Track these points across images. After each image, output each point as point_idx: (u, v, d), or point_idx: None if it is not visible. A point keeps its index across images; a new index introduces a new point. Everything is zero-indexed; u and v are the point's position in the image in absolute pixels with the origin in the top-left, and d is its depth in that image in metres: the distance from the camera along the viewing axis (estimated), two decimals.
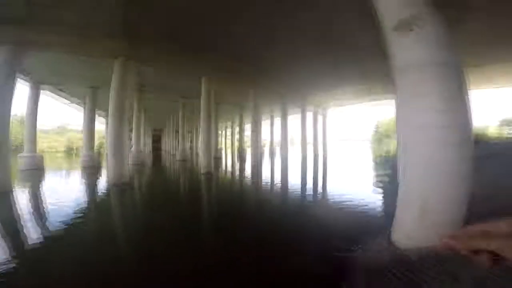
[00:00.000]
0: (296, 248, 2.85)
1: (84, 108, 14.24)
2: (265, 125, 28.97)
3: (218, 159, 17.44)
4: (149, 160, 17.63)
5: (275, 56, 9.74)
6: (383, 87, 13.92)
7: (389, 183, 6.34)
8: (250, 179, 8.85)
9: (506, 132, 13.15)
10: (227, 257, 2.60)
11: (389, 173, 7.93)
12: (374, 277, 1.92)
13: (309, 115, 21.06)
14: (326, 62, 10.20)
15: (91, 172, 10.50)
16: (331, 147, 34.82)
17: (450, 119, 2.12)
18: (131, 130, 15.20)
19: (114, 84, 7.47)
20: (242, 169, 11.87)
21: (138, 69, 9.80)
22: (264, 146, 33.88)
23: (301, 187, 6.71)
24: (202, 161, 9.62)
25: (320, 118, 23.45)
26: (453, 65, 2.22)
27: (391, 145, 14.43)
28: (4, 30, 6.19)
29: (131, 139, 15.58)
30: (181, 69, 9.51)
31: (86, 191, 6.52)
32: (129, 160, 14.15)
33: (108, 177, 7.17)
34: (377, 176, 8.28)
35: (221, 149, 23.71)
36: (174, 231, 3.45)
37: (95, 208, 4.86)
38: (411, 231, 2.24)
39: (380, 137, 27.49)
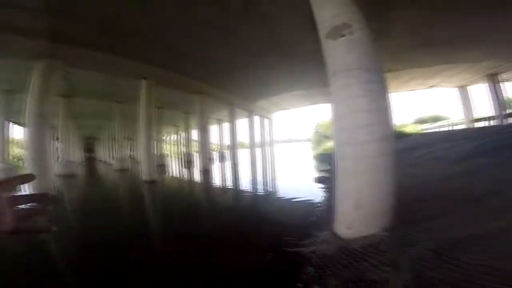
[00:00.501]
0: (250, 245, 2.86)
1: None
2: (213, 130, 28.56)
3: (162, 166, 16.41)
4: (81, 171, 15.56)
5: (222, 64, 9.75)
6: (321, 91, 15.15)
7: (328, 178, 6.87)
8: (197, 184, 8.57)
9: (420, 128, 15.93)
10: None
11: (328, 169, 8.61)
12: (323, 268, 2.00)
13: (257, 119, 21.59)
14: (271, 70, 10.62)
15: None
16: (278, 148, 36.22)
17: (375, 118, 2.41)
18: (57, 139, 13.29)
19: (33, 88, 6.49)
20: (190, 175, 11.42)
21: (64, 72, 8.69)
22: (214, 150, 33.29)
23: (251, 188, 6.75)
24: (143, 169, 8.92)
25: (266, 122, 24.26)
26: (376, 70, 2.52)
27: (329, 144, 15.74)
28: None
29: (57, 149, 13.62)
30: (117, 71, 8.69)
31: None
32: (56, 171, 12.44)
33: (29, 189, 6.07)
34: (318, 172, 8.88)
35: (165, 155, 22.40)
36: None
37: None
38: (351, 222, 2.42)
39: (319, 137, 29.74)
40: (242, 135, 26.11)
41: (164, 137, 37.98)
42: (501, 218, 2.08)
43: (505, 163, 3.89)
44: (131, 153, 32.59)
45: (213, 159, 21.63)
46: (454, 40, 8.11)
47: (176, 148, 33.08)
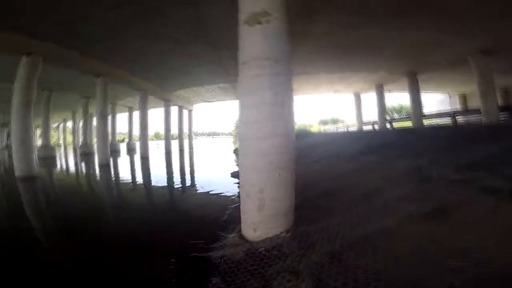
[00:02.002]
0: (152, 250, 2.47)
1: None
2: (122, 118, 25.18)
3: (49, 158, 13.35)
4: None
5: (131, 50, 8.58)
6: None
7: None
8: (93, 180, 7.24)
9: (323, 128, 18.37)
10: None
11: None
12: (231, 277, 1.80)
13: (174, 109, 20.18)
14: (194, 59, 9.91)
15: None
16: (198, 141, 35.22)
17: (280, 112, 2.30)
18: None
19: None
20: (86, 169, 9.60)
21: None
22: (122, 141, 29.50)
23: (157, 187, 6.07)
24: (17, 163, 6.90)
25: (185, 112, 23.00)
26: (285, 63, 2.42)
27: None
28: None
29: None
30: None
31: None
32: None
33: None
34: (235, 166, 8.86)
35: (57, 145, 18.41)
36: None
37: None
38: (255, 223, 2.26)
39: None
40: (159, 126, 23.98)
41: (56, 124, 31.46)
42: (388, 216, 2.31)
43: (385, 160, 4.70)
44: (8, 142, 25.58)
45: (119, 151, 19.17)
46: (357, 49, 9.15)
47: (72, 137, 27.62)
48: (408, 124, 14.22)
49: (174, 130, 20.92)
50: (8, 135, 27.09)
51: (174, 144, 19.00)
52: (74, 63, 9.10)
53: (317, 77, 13.57)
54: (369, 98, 18.13)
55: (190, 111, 24.11)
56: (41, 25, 6.55)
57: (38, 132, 21.64)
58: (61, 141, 33.28)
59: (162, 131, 19.79)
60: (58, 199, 5.26)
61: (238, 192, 4.73)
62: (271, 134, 2.24)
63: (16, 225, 3.51)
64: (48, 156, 13.75)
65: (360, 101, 19.02)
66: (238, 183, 5.66)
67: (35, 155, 7.48)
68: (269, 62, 2.29)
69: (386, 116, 16.37)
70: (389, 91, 16.44)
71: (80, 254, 2.44)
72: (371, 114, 18.02)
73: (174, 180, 7.06)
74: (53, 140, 20.91)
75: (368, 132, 13.30)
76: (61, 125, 33.99)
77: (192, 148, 21.13)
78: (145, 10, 5.95)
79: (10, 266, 2.22)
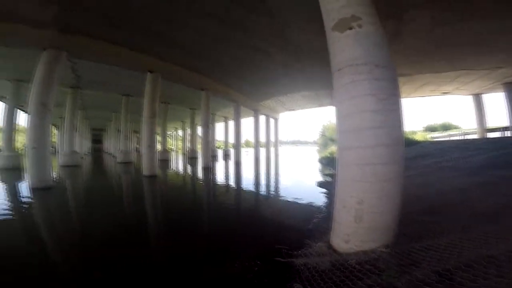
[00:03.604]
0: (239, 250, 2.65)
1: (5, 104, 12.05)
2: (220, 127, 28.53)
3: (165, 161, 16.40)
4: (84, 162, 15.67)
5: (229, 62, 9.59)
6: (329, 93, 14.86)
7: (331, 183, 6.63)
8: (197, 181, 8.44)
9: (430, 136, 15.58)
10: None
11: (332, 174, 8.38)
12: (313, 285, 1.82)
13: (263, 119, 21.41)
14: (280, 69, 10.36)
15: (9, 174, 8.79)
16: (283, 149, 35.93)
17: (384, 120, 2.14)
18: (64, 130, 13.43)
19: (37, 78, 6.45)
20: (192, 172, 11.31)
21: (73, 65, 8.70)
22: (219, 148, 33.28)
23: (246, 191, 6.53)
24: (145, 163, 8.84)
25: (272, 121, 24.03)
26: (386, 66, 2.25)
27: (335, 148, 15.53)
28: None
29: (63, 140, 13.74)
30: (124, 63, 8.62)
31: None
32: (60, 161, 12.56)
33: (29, 180, 6.06)
34: (322, 175, 8.64)
35: (170, 150, 22.44)
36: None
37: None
38: (349, 234, 2.19)
39: (325, 140, 29.41)
40: (248, 134, 25.91)
41: (170, 132, 38.18)
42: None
43: None
44: (137, 146, 32.98)
45: (216, 156, 21.64)
46: (471, 45, 7.70)
47: (181, 143, 33.13)
48: None
49: (261, 138, 22.15)
50: (137, 141, 34.87)
51: (261, 152, 20.05)
52: (184, 79, 10.87)
53: (418, 79, 11.85)
54: (494, 100, 14.37)
55: (276, 119, 25.05)
56: (159, 46, 8.09)
57: (158, 138, 26.97)
58: (173, 147, 40.34)
59: (251, 139, 21.24)
60: (170, 195, 6.43)
61: (327, 202, 4.65)
62: (373, 143, 2.12)
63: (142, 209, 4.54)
64: (164, 159, 16.93)
65: (481, 103, 15.38)
66: (325, 193, 5.55)
67: (157, 158, 9.39)
68: (367, 68, 2.19)
69: None
70: None
71: (176, 244, 2.95)
72: (498, 118, 14.12)
73: (263, 185, 7.46)
74: (168, 146, 25.63)
75: (494, 140, 10.53)
76: (174, 133, 41.54)
77: (278, 156, 21.78)
78: (230, 23, 6.53)
79: None
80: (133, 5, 5.76)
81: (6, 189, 6.21)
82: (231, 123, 19.06)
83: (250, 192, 6.29)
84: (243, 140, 18.62)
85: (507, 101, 12.66)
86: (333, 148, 16.80)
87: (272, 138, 25.21)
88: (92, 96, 15.12)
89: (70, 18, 6.18)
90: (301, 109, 22.55)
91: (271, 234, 3.20)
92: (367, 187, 2.12)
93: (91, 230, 3.44)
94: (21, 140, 19.75)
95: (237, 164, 13.55)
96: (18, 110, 12.13)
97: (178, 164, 15.93)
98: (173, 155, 25.40)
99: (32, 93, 6.39)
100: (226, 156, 22.03)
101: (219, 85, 13.04)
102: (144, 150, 9.12)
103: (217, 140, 28.50)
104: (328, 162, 12.36)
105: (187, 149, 23.53)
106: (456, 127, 22.82)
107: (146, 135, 9.16)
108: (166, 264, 2.40)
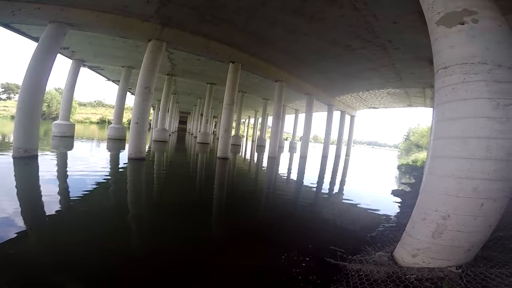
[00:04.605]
0: (293, 243, 2.66)
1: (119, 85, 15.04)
2: (289, 119, 28.56)
3: (237, 146, 17.51)
4: (171, 139, 18.21)
5: (306, 54, 9.42)
6: (421, 92, 12.96)
7: (408, 193, 5.90)
8: (262, 169, 8.76)
9: None
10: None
11: (411, 183, 7.43)
12: None
13: (336, 114, 20.37)
14: (361, 64, 9.64)
15: (115, 143, 11.03)
16: (356, 149, 33.48)
17: (501, 129, 1.78)
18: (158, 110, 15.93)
19: (143, 64, 7.80)
20: (258, 159, 11.81)
21: (170, 54, 10.02)
22: (286, 139, 33.51)
23: (309, 187, 6.42)
24: (219, 146, 9.68)
25: (348, 118, 22.57)
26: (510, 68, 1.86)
27: (420, 155, 13.58)
28: (50, 8, 6.55)
29: (157, 118, 16.30)
30: (211, 54, 9.50)
31: (108, 160, 6.88)
32: (153, 136, 14.97)
33: (128, 150, 7.48)
34: (398, 184, 7.76)
35: (242, 136, 23.79)
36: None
37: (109, 177, 5.07)
38: (419, 248, 1.97)
39: (409, 145, 25.84)
40: (319, 129, 25.11)
41: (243, 120, 40.24)
42: None
43: None
44: (215, 130, 36.24)
45: (283, 147, 21.87)
46: None
47: (252, 131, 34.70)
48: None
49: (333, 135, 21.17)
50: (215, 126, 38.23)
51: (331, 149, 19.24)
52: (260, 70, 11.21)
53: None
54: None
55: (352, 116, 23.40)
56: (240, 37, 8.49)
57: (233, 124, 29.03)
58: (244, 133, 42.68)
59: (320, 135, 20.51)
60: (237, 179, 6.93)
61: (398, 212, 4.22)
62: (482, 155, 1.82)
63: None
64: (236, 143, 18.14)
65: None
66: (398, 202, 5.02)
67: (230, 142, 10.17)
68: (485, 67, 1.87)
69: None
70: None
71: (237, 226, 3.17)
72: None
73: (327, 184, 7.22)
74: (241, 133, 27.29)
75: None
76: (246, 121, 43.77)
77: (349, 156, 20.50)
78: (308, 15, 6.36)
79: None
80: (220, 2, 6.26)
81: (112, 156, 7.75)
82: (302, 116, 18.79)
83: (312, 188, 6.19)
84: (312, 134, 18.24)
85: None
86: (418, 155, 14.76)
87: (346, 136, 23.76)
88: (182, 83, 17.28)
89: (169, 12, 7.08)
90: (384, 107, 20.35)
91: (328, 234, 3.12)
92: (460, 203, 1.84)
93: (164, 198, 4.05)
94: (127, 117, 24.33)
95: (303, 158, 13.42)
96: (128, 92, 15.02)
97: (247, 150, 16.80)
98: (244, 141, 26.92)
99: (140, 78, 7.74)
100: (292, 149, 22.02)
101: (294, 77, 12.95)
102: (220, 133, 9.97)
103: (285, 132, 28.68)
104: (408, 170, 11.00)
105: (256, 137, 24.52)
106: None
107: (224, 120, 9.97)
108: (215, 245, 2.65)
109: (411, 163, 12.52)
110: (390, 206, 4.77)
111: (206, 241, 2.59)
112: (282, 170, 9.00)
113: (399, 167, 12.84)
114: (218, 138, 10.25)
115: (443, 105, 2.07)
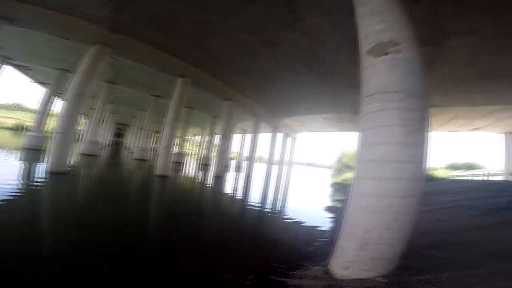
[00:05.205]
0: (234, 261, 2.63)
1: (47, 89, 13.08)
2: (236, 138, 28.85)
3: (179, 163, 16.72)
4: (103, 153, 16.33)
5: (259, 76, 9.84)
6: (352, 118, 14.66)
7: (339, 209, 6.45)
8: (206, 188, 8.50)
9: (450, 174, 14.96)
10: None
11: (342, 199, 8.16)
12: None
13: (280, 136, 21.47)
14: (304, 88, 10.49)
15: (32, 154, 9.33)
16: (296, 169, 35.46)
17: (409, 154, 2.06)
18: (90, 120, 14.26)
19: (81, 69, 7.08)
20: (202, 178, 11.45)
21: (114, 61, 9.47)
22: (232, 159, 33.52)
23: (252, 205, 6.48)
24: (159, 163, 9.07)
25: (289, 140, 23.99)
26: (421, 97, 2.16)
27: (349, 175, 15.17)
28: None
29: (88, 129, 14.51)
30: (160, 66, 9.17)
31: (21, 173, 5.69)
32: (80, 149, 13.19)
33: (48, 162, 6.41)
34: (332, 200, 8.43)
35: (186, 154, 22.87)
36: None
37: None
38: (350, 261, 2.14)
39: (341, 166, 28.83)
40: (264, 150, 26.01)
41: (189, 137, 39.09)
42: None
43: None
44: (156, 146, 34.01)
45: (229, 167, 21.78)
46: (506, 77, 7.26)
47: (198, 149, 33.77)
48: None
49: (276, 156, 22.10)
50: (156, 140, 35.98)
51: (274, 169, 19.97)
52: (211, 87, 11.21)
53: (448, 111, 11.28)
54: None
55: (293, 139, 24.99)
56: (194, 52, 8.40)
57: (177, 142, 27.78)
58: (189, 151, 41.17)
59: (264, 155, 21.27)
60: (175, 197, 6.55)
61: (332, 227, 4.53)
62: (394, 176, 2.04)
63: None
64: (178, 161, 17.29)
65: None
66: (332, 218, 5.41)
67: (171, 160, 9.65)
68: (399, 96, 2.11)
69: None
70: None
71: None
72: None
73: (269, 202, 7.39)
74: (185, 150, 26.23)
75: None
76: (192, 138, 42.52)
77: (290, 175, 21.57)
78: (263, 38, 6.75)
79: None
80: (180, 15, 6.21)
81: (25, 169, 6.55)
82: (248, 136, 19.34)
83: (255, 206, 6.25)
84: (257, 154, 18.78)
85: None
86: (347, 175, 16.40)
87: (287, 157, 25.07)
88: (123, 93, 15.98)
89: (123, 17, 6.70)
90: (321, 131, 22.41)
91: (270, 251, 3.16)
92: (378, 218, 2.07)
93: (86, 217, 3.55)
94: (52, 124, 21.03)
95: (248, 177, 13.57)
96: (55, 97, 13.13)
97: (191, 168, 16.19)
98: (187, 159, 25.85)
99: (73, 83, 6.93)
100: (238, 168, 22.11)
101: (244, 98, 13.34)
102: (161, 150, 9.39)
103: (232, 151, 28.79)
104: (340, 188, 12.06)
105: (202, 156, 23.95)
106: (480, 167, 21.62)
107: (166, 136, 9.46)
108: (146, 270, 2.39)
109: (342, 182, 13.81)
110: (324, 221, 5.10)
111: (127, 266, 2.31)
112: (226, 189, 8.89)
113: (332, 185, 14.00)
114: (158, 155, 9.58)
115: (366, 131, 2.29)
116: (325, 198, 9.27)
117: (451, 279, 1.91)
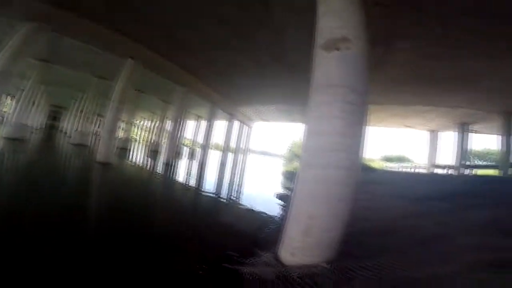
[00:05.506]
0: (187, 252, 2.55)
1: None
2: (190, 125, 27.79)
3: (125, 149, 15.47)
4: (33, 138, 14.16)
5: (219, 62, 9.44)
6: (302, 109, 15.25)
7: (289, 196, 6.73)
8: (154, 175, 8.05)
9: (385, 165, 17.01)
10: None
11: (292, 187, 8.48)
12: None
13: (237, 124, 21.38)
14: (267, 79, 10.40)
15: None
16: (251, 157, 36.04)
17: (347, 144, 2.21)
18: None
19: (9, 45, 6.21)
20: (151, 165, 10.80)
21: (53, 38, 8.03)
22: (186, 145, 32.34)
23: (210, 190, 6.38)
24: (100, 149, 8.21)
25: (245, 128, 24.09)
26: (363, 93, 2.33)
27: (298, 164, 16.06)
28: None
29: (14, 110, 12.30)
30: (108, 46, 8.21)
31: None
32: (3, 132, 11.18)
33: None
34: (282, 188, 8.77)
35: (131, 140, 21.21)
36: None
37: None
38: (296, 248, 2.21)
39: (292, 155, 30.40)
40: (219, 137, 25.69)
41: (137, 122, 36.36)
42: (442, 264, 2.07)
43: (456, 208, 4.18)
44: (98, 130, 30.78)
45: (181, 154, 21.00)
46: (447, 82, 8.16)
47: (147, 135, 31.65)
48: (493, 172, 12.01)
49: (232, 144, 22.05)
50: (99, 125, 32.55)
51: (230, 157, 19.93)
52: (165, 70, 10.44)
53: (387, 109, 12.51)
54: (447, 138, 15.85)
55: (250, 127, 25.15)
56: (150, 33, 7.68)
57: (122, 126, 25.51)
58: (137, 137, 38.34)
59: (221, 142, 21.03)
60: (119, 186, 5.92)
61: (282, 214, 4.69)
62: (334, 165, 2.17)
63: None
64: (124, 147, 15.98)
65: (436, 140, 16.81)
66: (282, 205, 5.60)
67: (115, 145, 8.84)
68: (343, 90, 2.23)
69: (466, 161, 13.86)
70: (475, 131, 13.97)
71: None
72: (447, 155, 15.60)
73: (222, 190, 7.34)
74: (132, 135, 24.35)
75: (440, 175, 11.74)
76: (140, 123, 39.53)
77: (245, 163, 21.80)
78: (236, 32, 6.60)
79: None
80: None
81: None
82: (204, 123, 18.84)
83: (207, 195, 6.13)
84: (213, 142, 18.53)
85: (457, 141, 13.80)
86: (296, 164, 17.22)
87: (243, 145, 25.21)
88: (61, 72, 13.85)
89: None
90: (275, 121, 22.97)
91: (223, 240, 3.11)
92: (320, 205, 2.18)
93: None
94: None
95: (202, 165, 13.27)
96: None
97: (138, 155, 15.15)
98: (135, 145, 24.12)
99: None
100: (192, 155, 21.47)
101: (200, 84, 12.77)
102: (103, 134, 8.50)
103: (185, 138, 27.74)
104: (290, 176, 12.62)
105: (151, 142, 22.55)
106: (409, 160, 24.99)
107: (109, 119, 8.59)
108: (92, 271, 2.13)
109: (293, 170, 14.49)
110: (275, 208, 5.23)
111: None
112: (177, 176, 8.55)
113: (283, 173, 14.58)
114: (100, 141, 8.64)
115: (311, 121, 2.40)
116: (277, 185, 9.59)
117: (384, 265, 2.10)
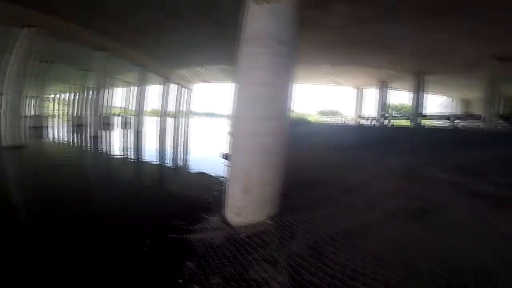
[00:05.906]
0: (128, 228, 2.38)
1: None
2: (119, 92, 24.62)
3: (39, 128, 13.09)
4: None
5: (142, 23, 8.18)
6: None
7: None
8: (81, 151, 7.15)
9: (320, 119, 18.49)
10: None
11: None
12: (208, 262, 1.73)
13: (173, 87, 19.86)
14: (200, 38, 9.48)
15: None
16: (195, 120, 34.85)
17: (276, 94, 2.23)
18: None
19: None
20: (76, 140, 9.47)
21: None
22: (118, 115, 29.04)
23: (145, 159, 5.98)
24: (3, 130, 6.72)
25: (185, 91, 22.61)
26: (290, 45, 2.31)
27: None
28: None
29: None
30: None
31: None
32: None
33: None
34: (227, 148, 8.80)
35: (45, 116, 17.91)
36: None
37: None
38: (239, 207, 2.23)
39: None
40: (156, 103, 23.59)
41: (53, 96, 30.75)
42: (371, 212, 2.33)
43: (377, 155, 4.77)
44: (3, 110, 24.94)
45: (112, 124, 18.98)
46: (367, 45, 8.82)
47: (67, 108, 27.02)
48: (406, 123, 14.22)
49: (172, 108, 20.67)
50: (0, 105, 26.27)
51: (171, 122, 18.85)
52: (76, 37, 8.87)
53: (320, 68, 13.21)
54: (370, 94, 17.96)
55: (189, 90, 23.69)
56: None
57: (33, 102, 21.16)
58: (55, 112, 32.63)
59: (158, 108, 19.46)
60: (40, 168, 5.11)
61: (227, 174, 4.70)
62: (264, 115, 2.17)
63: None
64: (39, 125, 13.50)
65: (361, 96, 18.73)
66: (228, 165, 5.59)
67: (23, 125, 7.33)
68: (271, 42, 2.21)
69: (385, 113, 16.17)
70: (393, 88, 16.21)
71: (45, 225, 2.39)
72: (370, 109, 17.84)
73: (164, 156, 6.99)
74: (48, 111, 20.51)
75: (364, 126, 13.36)
76: (58, 96, 33.15)
77: (188, 127, 21.00)
78: None
79: None
80: None
81: None
82: (135, 89, 16.80)
83: (147, 164, 5.78)
84: (149, 108, 16.97)
85: (378, 97, 15.96)
86: None
87: (184, 109, 23.89)
88: None
89: None
90: (218, 82, 21.94)
91: (166, 209, 2.99)
92: (255, 159, 2.19)
93: None
94: None
95: (137, 134, 12.35)
96: None
97: (58, 132, 13.10)
98: (54, 122, 20.65)
99: None
100: (125, 124, 19.59)
101: (123, 47, 10.98)
102: (6, 113, 6.89)
103: (115, 107, 24.77)
104: None
105: (74, 115, 19.48)
106: (341, 114, 27.62)
107: (10, 97, 6.95)
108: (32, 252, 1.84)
109: None
110: (221, 169, 5.09)
111: None
112: (108, 148, 7.76)
113: (229, 133, 14.61)
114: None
115: (241, 73, 2.36)
116: (222, 146, 9.56)
117: (324, 216, 2.28)
